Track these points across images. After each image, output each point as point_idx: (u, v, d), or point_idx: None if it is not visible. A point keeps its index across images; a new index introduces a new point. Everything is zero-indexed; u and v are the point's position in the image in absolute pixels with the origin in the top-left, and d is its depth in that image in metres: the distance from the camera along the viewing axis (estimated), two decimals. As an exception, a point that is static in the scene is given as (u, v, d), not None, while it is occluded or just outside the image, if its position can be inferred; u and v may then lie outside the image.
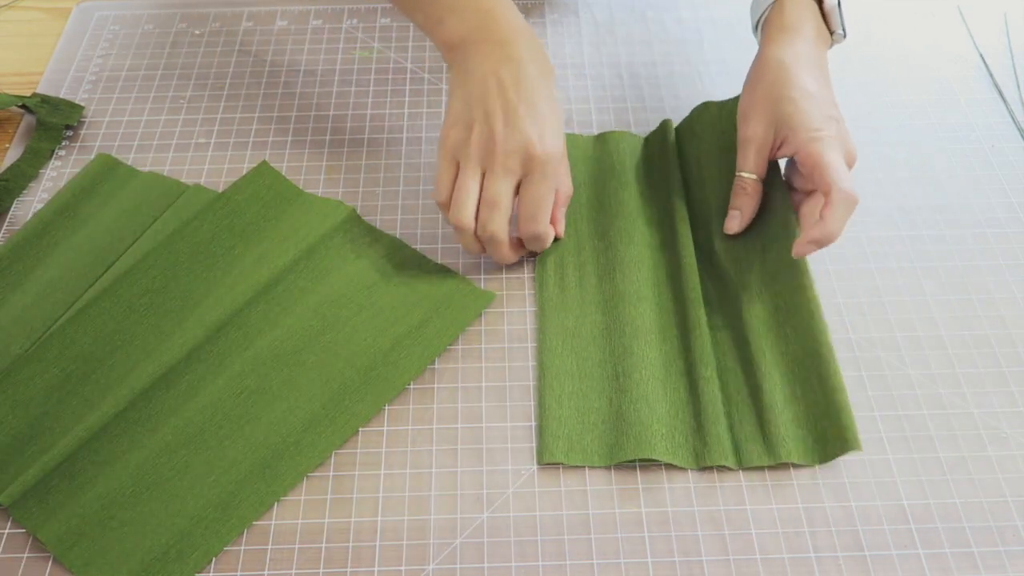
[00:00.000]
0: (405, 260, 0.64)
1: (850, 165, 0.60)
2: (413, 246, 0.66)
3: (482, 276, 0.64)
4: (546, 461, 0.55)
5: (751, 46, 0.81)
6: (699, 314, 0.60)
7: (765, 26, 0.66)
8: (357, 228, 0.66)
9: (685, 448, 0.55)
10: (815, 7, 0.65)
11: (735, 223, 0.63)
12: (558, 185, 0.63)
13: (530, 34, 0.62)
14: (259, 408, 0.56)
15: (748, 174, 0.63)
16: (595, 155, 0.71)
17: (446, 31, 0.62)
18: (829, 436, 0.54)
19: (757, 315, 0.60)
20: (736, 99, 0.69)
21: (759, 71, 0.63)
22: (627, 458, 0.54)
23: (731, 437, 0.55)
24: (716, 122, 0.69)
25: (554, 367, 0.59)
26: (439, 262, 0.65)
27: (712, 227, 0.65)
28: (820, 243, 0.57)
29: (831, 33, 0.66)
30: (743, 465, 0.54)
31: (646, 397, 0.56)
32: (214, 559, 0.51)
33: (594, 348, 0.60)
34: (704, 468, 0.55)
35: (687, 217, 0.65)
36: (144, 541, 0.51)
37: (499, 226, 0.60)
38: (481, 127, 0.59)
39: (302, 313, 0.60)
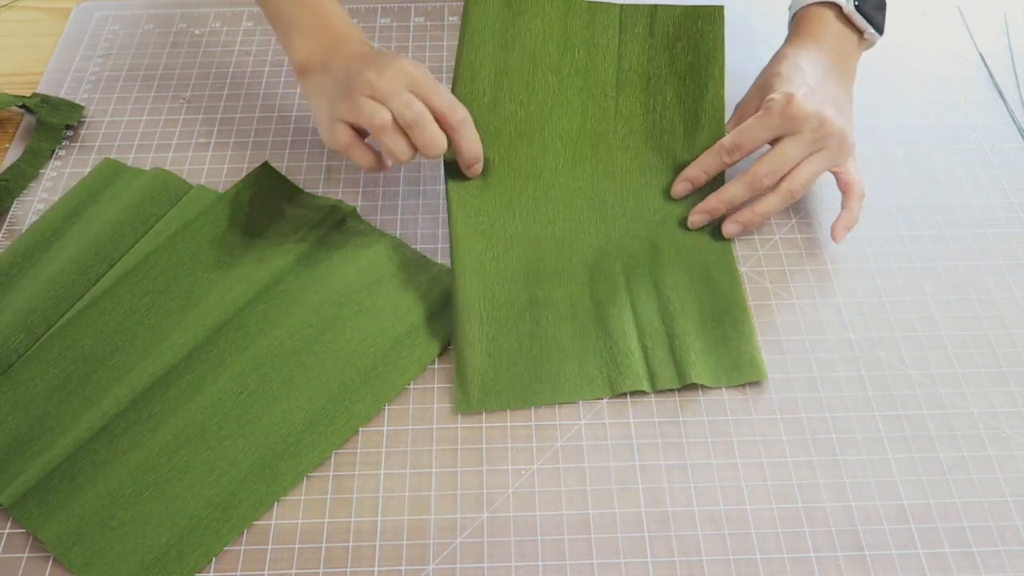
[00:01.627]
0: (405, 260, 0.64)
1: (803, 122, 0.61)
2: (413, 246, 0.66)
3: (482, 276, 0.64)
4: (462, 411, 0.56)
5: (750, 45, 0.81)
6: (609, 259, 0.62)
7: (791, 25, 0.69)
8: (357, 228, 0.66)
9: (599, 379, 0.57)
10: (837, 10, 0.67)
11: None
12: (439, 107, 0.61)
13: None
14: (259, 408, 0.56)
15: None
16: (510, 34, 0.67)
17: (295, 53, 0.65)
18: (736, 364, 0.58)
19: (673, 263, 0.62)
20: (685, 6, 0.69)
21: (768, 64, 0.67)
22: (542, 403, 0.56)
23: (646, 365, 0.58)
24: (671, 32, 0.68)
25: (467, 307, 0.59)
26: (439, 262, 0.65)
27: (647, 165, 0.67)
28: (691, 179, 0.65)
29: (861, 33, 0.67)
30: (656, 388, 0.57)
31: (556, 338, 0.58)
32: (214, 559, 0.51)
33: (501, 290, 0.60)
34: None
35: (616, 146, 0.67)
36: (144, 541, 0.51)
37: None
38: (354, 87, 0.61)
39: (302, 313, 0.60)
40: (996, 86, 0.78)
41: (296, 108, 0.76)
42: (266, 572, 0.51)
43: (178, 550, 0.51)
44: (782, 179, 0.62)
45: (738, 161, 0.64)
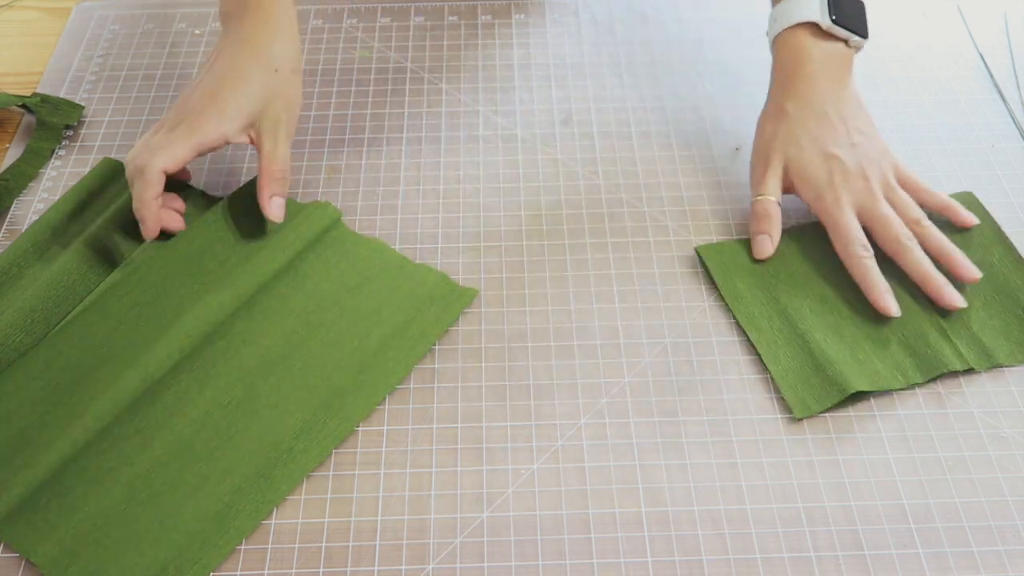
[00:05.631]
0: (387, 261, 0.64)
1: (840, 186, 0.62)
2: (413, 246, 0.66)
3: (460, 276, 0.64)
4: (803, 415, 0.57)
5: (751, 46, 0.81)
6: None
7: (773, 63, 0.68)
8: (339, 231, 0.65)
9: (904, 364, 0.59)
10: (815, 28, 0.65)
11: (767, 247, 0.64)
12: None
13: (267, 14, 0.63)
14: (249, 418, 0.56)
15: (766, 196, 0.64)
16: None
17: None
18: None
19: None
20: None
21: (766, 118, 0.67)
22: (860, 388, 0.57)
23: (949, 346, 0.59)
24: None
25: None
26: (438, 262, 0.65)
27: None
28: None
29: (845, 42, 0.66)
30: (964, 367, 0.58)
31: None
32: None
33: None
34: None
35: None
36: (141, 559, 0.51)
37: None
38: None
39: (287, 320, 0.60)
40: (996, 86, 0.78)
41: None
42: (266, 572, 0.51)
43: (176, 566, 0.50)
44: (914, 225, 0.62)
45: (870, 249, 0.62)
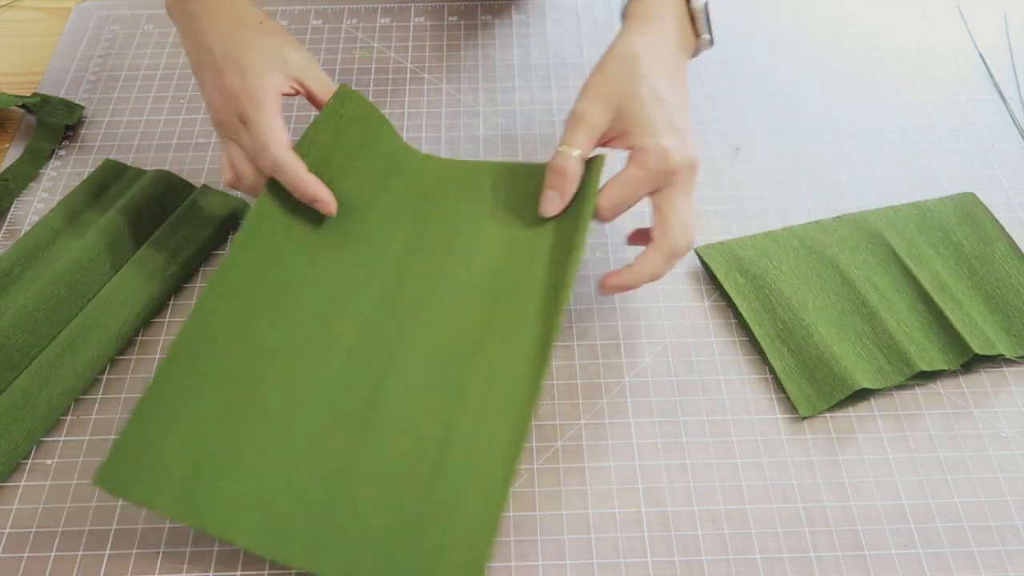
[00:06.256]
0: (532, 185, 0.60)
1: (678, 173, 0.55)
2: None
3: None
4: (808, 414, 0.57)
5: (751, 46, 0.81)
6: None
7: (628, 14, 0.61)
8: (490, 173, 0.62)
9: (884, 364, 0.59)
10: (682, 4, 0.60)
11: (553, 205, 0.58)
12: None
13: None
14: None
15: (572, 149, 0.57)
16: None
17: None
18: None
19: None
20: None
21: (611, 57, 0.58)
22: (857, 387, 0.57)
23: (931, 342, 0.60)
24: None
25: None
26: None
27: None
28: (624, 288, 0.57)
29: (697, 36, 0.61)
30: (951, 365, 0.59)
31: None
32: (212, 560, 0.51)
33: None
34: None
35: None
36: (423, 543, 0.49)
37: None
38: None
39: (461, 299, 0.57)
40: (996, 86, 0.78)
41: (296, 108, 0.76)
42: (266, 572, 0.51)
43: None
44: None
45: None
